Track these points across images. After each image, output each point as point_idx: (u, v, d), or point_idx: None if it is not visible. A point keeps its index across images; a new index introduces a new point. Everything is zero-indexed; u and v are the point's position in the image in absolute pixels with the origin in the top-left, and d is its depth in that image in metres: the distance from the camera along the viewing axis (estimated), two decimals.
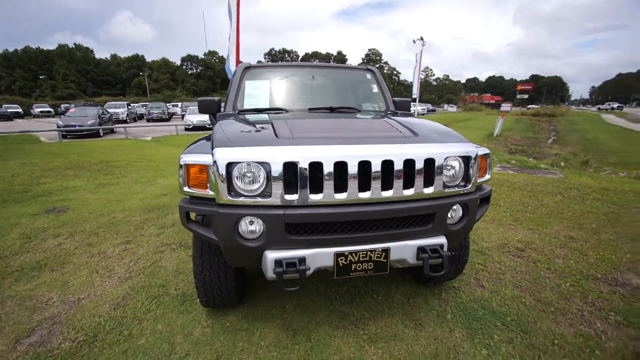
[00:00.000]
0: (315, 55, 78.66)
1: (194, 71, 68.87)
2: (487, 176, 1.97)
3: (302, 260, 1.58)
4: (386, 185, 1.64)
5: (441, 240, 1.76)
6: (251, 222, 1.60)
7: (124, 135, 15.28)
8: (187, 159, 1.66)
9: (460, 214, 1.85)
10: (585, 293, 2.49)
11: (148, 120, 24.55)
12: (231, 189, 1.57)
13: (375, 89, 3.10)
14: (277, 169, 1.53)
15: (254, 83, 2.86)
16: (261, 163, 1.55)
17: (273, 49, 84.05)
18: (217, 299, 2.04)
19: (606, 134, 20.67)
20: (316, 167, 1.56)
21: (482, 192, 1.94)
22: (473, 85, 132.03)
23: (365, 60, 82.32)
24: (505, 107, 32.57)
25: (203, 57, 66.93)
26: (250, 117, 2.39)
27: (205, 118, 18.18)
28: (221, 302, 2.09)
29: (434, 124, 2.19)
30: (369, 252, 1.67)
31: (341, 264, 1.65)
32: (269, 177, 1.55)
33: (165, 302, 2.33)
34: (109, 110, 20.58)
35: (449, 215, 1.79)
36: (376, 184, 1.62)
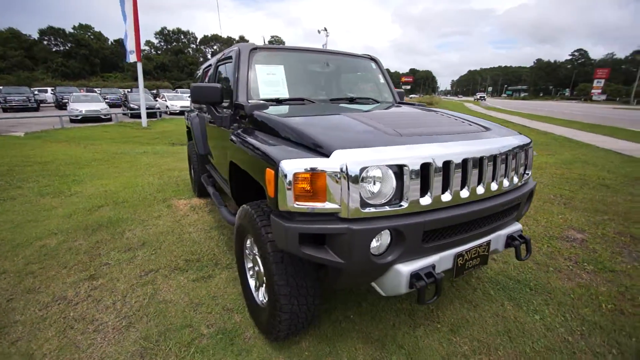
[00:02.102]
0: (215, 39, 72.12)
1: (61, 48, 55.00)
2: None
3: (433, 267, 1.42)
4: (493, 179, 1.59)
5: (519, 226, 1.84)
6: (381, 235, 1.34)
7: None
8: (295, 165, 1.26)
9: (526, 200, 1.96)
10: (560, 251, 3.02)
11: (5, 110, 18.64)
12: (362, 200, 1.27)
13: (382, 79, 2.99)
14: (413, 171, 1.30)
15: (266, 68, 2.38)
16: (396, 166, 1.29)
17: (165, 28, 73.60)
18: (299, 328, 1.68)
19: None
20: (446, 165, 1.39)
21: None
22: None
23: None
24: None
25: (72, 31, 53.89)
26: (291, 109, 2.00)
27: (98, 107, 14.88)
28: (300, 330, 1.73)
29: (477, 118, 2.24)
30: (477, 248, 1.61)
31: (459, 264, 1.55)
32: (401, 181, 1.31)
33: (207, 346, 1.81)
34: None
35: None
36: (486, 179, 1.56)
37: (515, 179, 1.75)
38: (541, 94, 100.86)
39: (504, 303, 2.24)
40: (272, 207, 1.38)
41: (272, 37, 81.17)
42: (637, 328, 2.03)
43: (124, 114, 17.83)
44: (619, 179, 5.55)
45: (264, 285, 1.84)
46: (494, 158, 1.57)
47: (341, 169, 1.23)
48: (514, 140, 1.79)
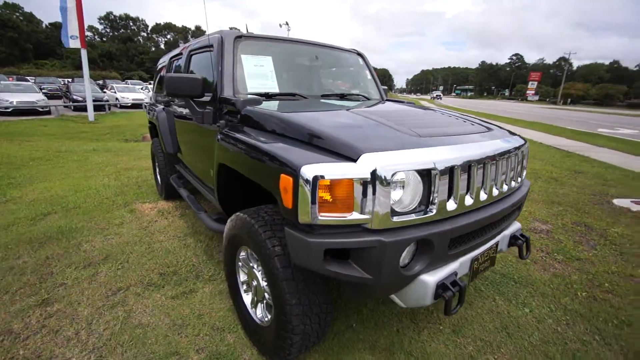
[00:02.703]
0: (169, 28, 66.92)
1: None
2: None
3: (456, 275, 1.34)
4: (505, 180, 1.56)
5: (519, 225, 1.85)
6: None
7: None
8: (319, 172, 1.08)
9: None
10: (532, 242, 3.19)
11: None
12: (391, 208, 1.13)
13: (369, 75, 2.88)
14: (441, 174, 1.20)
15: (253, 59, 2.14)
16: (424, 170, 1.17)
17: (111, 13, 66.70)
18: (309, 347, 1.51)
19: None
20: (467, 167, 1.31)
21: None
22: None
23: None
24: None
25: None
26: (287, 105, 1.80)
27: (33, 98, 13.04)
28: (309, 348, 1.56)
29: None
30: (489, 250, 1.57)
31: (474, 268, 1.49)
32: (428, 186, 1.20)
33: None
34: None
35: None
36: (500, 180, 1.51)
37: (519, 179, 1.74)
38: (485, 94, 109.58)
39: (495, 298, 2.28)
40: (290, 219, 1.20)
41: (231, 28, 77.59)
42: (609, 313, 2.17)
43: (66, 107, 15.85)
44: (564, 172, 6.10)
45: (264, 301, 1.65)
46: (507, 158, 1.54)
47: (372, 175, 1.08)
48: (516, 140, 1.78)
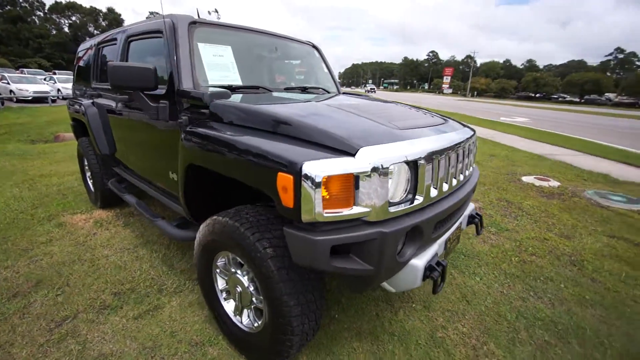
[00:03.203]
0: (73, 8, 56.68)
1: None
2: None
3: (437, 255, 1.44)
4: (467, 165, 1.72)
5: (473, 206, 2.07)
6: None
7: None
8: (323, 168, 1.04)
9: None
10: None
11: None
12: (388, 200, 1.15)
13: (325, 68, 2.87)
14: (426, 164, 1.27)
15: (211, 48, 1.94)
16: (412, 161, 1.22)
17: None
18: (304, 345, 1.47)
19: None
20: (445, 156, 1.41)
21: None
22: None
23: None
24: None
25: None
26: (257, 98, 1.70)
27: None
28: (304, 346, 1.52)
29: None
30: (456, 230, 1.73)
31: (448, 247, 1.62)
32: (415, 176, 1.25)
33: None
34: None
35: None
36: (465, 166, 1.67)
37: (473, 164, 1.94)
38: (408, 87, 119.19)
39: (452, 272, 2.53)
40: (290, 219, 1.13)
41: (151, 12, 69.55)
42: (537, 272, 2.59)
43: None
44: (481, 156, 7.01)
45: (251, 307, 1.56)
46: (468, 145, 1.69)
47: (372, 168, 1.08)
48: (469, 130, 1.96)
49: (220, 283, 1.69)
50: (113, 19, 59.82)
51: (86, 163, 3.40)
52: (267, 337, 1.42)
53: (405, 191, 1.26)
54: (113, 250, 2.58)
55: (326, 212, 1.08)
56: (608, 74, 71.18)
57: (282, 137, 1.31)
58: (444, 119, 1.97)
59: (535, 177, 5.36)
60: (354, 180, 1.09)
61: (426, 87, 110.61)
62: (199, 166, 1.59)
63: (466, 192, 1.66)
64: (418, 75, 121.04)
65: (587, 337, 1.89)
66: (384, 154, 1.14)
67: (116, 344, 1.68)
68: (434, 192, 1.36)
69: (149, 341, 1.70)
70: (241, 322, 1.61)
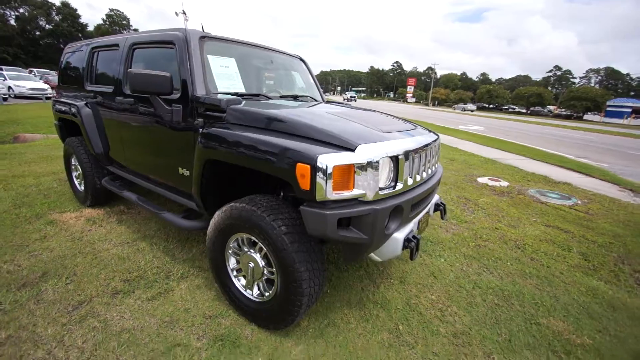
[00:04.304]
0: (25, 3, 51.79)
1: None
2: None
3: (412, 231, 1.83)
4: (433, 162, 2.16)
5: (438, 196, 2.51)
6: None
7: None
8: (333, 160, 1.38)
9: None
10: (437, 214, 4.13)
11: None
12: (378, 185, 1.52)
13: (310, 79, 3.22)
14: (405, 159, 1.66)
15: (219, 60, 2.21)
16: (395, 156, 1.60)
17: None
18: (310, 307, 1.78)
19: None
20: (418, 153, 1.81)
21: None
22: None
23: (107, 23, 64.30)
24: None
25: None
26: (263, 104, 2.01)
27: None
28: (309, 308, 1.83)
29: None
30: (425, 215, 2.14)
31: (420, 227, 2.03)
32: (396, 168, 1.63)
33: (212, 357, 1.65)
34: None
35: None
36: (432, 161, 2.11)
37: (438, 162, 2.38)
38: (375, 95, 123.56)
39: (422, 255, 2.97)
40: (307, 199, 1.45)
41: (111, 10, 65.76)
42: (489, 254, 3.10)
43: None
44: (443, 160, 7.74)
45: (262, 279, 1.83)
46: (434, 146, 2.12)
47: (367, 161, 1.44)
48: (434, 134, 2.41)
49: (232, 262, 1.95)
50: (68, 13, 55.72)
51: (74, 162, 3.42)
52: (277, 302, 1.71)
53: (390, 179, 1.63)
54: (112, 244, 2.69)
55: (334, 194, 1.41)
56: (549, 88, 79.58)
57: (294, 136, 1.63)
58: (414, 125, 2.39)
59: (488, 178, 6.09)
60: (354, 169, 1.44)
61: (392, 95, 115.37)
62: (215, 161, 1.85)
63: (433, 182, 2.08)
64: (384, 84, 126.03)
65: (526, 299, 2.39)
66: (375, 151, 1.50)
67: (136, 320, 1.86)
68: (410, 181, 1.75)
69: (167, 317, 1.91)
70: (252, 295, 1.88)
